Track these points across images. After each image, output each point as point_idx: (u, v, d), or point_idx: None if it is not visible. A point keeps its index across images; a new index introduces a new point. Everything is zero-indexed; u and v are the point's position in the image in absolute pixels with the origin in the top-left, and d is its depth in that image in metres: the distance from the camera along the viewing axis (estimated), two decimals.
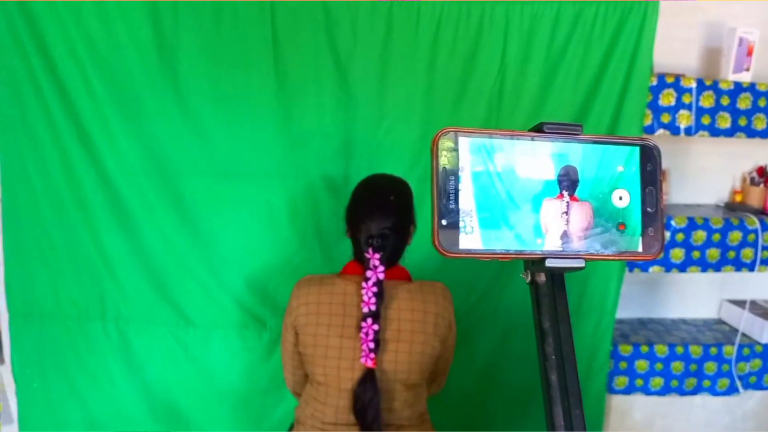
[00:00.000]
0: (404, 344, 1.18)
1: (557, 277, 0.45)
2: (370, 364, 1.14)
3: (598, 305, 1.99)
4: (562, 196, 0.42)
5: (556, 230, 0.42)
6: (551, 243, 0.42)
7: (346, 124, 1.73)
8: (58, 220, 1.71)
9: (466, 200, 0.41)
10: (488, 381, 1.97)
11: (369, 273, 1.15)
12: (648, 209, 0.44)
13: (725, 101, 1.89)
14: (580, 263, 0.43)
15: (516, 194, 0.42)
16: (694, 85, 1.87)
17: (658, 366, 2.12)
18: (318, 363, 1.19)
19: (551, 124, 0.43)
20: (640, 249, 0.44)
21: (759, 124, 1.92)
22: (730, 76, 1.92)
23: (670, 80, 1.86)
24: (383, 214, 1.20)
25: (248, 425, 1.88)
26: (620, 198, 0.43)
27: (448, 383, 1.46)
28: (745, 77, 1.91)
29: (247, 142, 1.71)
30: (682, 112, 1.88)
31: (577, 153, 0.43)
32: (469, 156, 0.41)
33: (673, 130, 1.90)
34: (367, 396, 1.13)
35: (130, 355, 1.81)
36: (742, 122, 1.91)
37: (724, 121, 1.91)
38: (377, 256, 1.15)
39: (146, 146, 1.68)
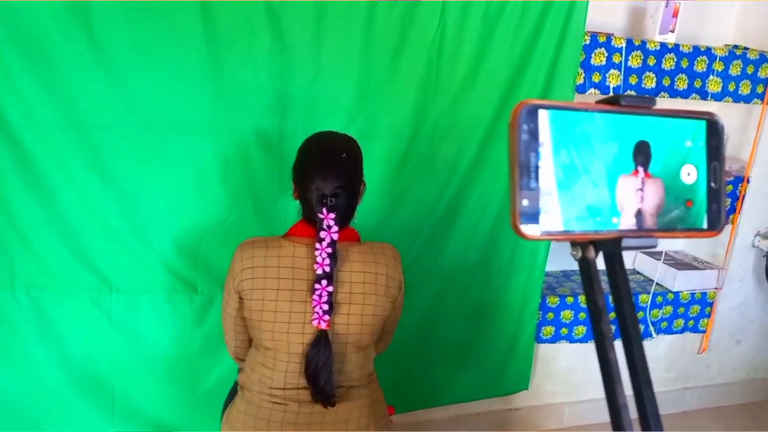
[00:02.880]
0: (356, 306, 1.15)
1: (617, 254, 0.43)
2: (323, 326, 1.11)
3: (529, 261, 2.05)
4: (637, 172, 0.41)
5: (631, 208, 0.41)
6: (626, 222, 0.41)
7: (281, 75, 1.63)
8: None
9: (546, 178, 0.38)
10: (425, 335, 2.00)
11: (323, 234, 1.10)
12: (712, 185, 0.43)
13: (651, 61, 1.95)
14: (654, 242, 0.42)
15: (593, 171, 0.40)
16: (624, 44, 1.91)
17: (582, 315, 2.23)
18: (266, 328, 1.14)
19: (628, 97, 0.41)
20: (705, 226, 0.43)
21: (681, 84, 2.01)
22: (656, 36, 1.98)
23: (602, 39, 1.90)
24: (336, 173, 1.14)
25: (180, 392, 1.80)
26: (688, 174, 0.43)
27: None
28: (670, 38, 1.98)
29: (171, 93, 1.56)
30: (612, 71, 1.93)
31: (649, 127, 0.41)
32: (549, 130, 0.38)
33: (603, 89, 1.95)
34: (321, 359, 1.10)
35: (45, 325, 1.67)
36: (666, 82, 1.99)
37: (650, 81, 1.97)
38: (331, 216, 1.10)
39: (56, 96, 1.50)
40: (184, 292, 1.74)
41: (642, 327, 2.33)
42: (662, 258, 2.35)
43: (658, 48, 1.95)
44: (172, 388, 1.80)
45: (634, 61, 1.93)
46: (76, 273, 1.65)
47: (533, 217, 0.38)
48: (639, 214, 0.41)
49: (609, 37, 1.90)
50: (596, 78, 1.92)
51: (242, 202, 1.71)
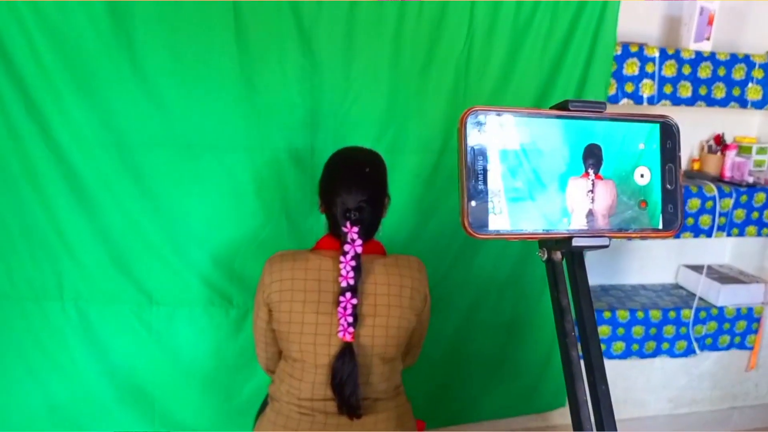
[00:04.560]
0: (381, 318, 1.17)
1: (576, 255, 0.44)
2: (348, 338, 1.13)
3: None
4: (587, 174, 0.42)
5: (582, 209, 0.42)
6: (577, 222, 0.42)
7: (312, 93, 1.68)
8: (9, 197, 1.62)
9: (495, 180, 0.40)
10: (457, 349, 1.99)
11: (347, 247, 1.12)
12: (668, 186, 0.44)
13: (686, 70, 1.92)
14: (605, 242, 0.43)
15: (542, 173, 0.41)
16: (657, 54, 1.88)
17: (620, 331, 2.18)
18: (293, 339, 1.17)
19: (576, 102, 0.42)
20: (660, 226, 0.44)
21: (718, 92, 1.96)
22: (691, 45, 1.94)
23: (634, 49, 1.87)
24: (359, 187, 1.17)
25: (217, 403, 1.85)
26: (642, 175, 0.43)
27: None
28: (705, 46, 1.94)
29: (208, 112, 1.64)
30: (646, 81, 1.90)
31: (600, 131, 0.43)
32: (497, 135, 0.40)
33: (637, 99, 1.92)
34: (346, 370, 1.12)
35: (91, 336, 1.75)
36: (703, 91, 1.95)
37: (686, 90, 1.94)
38: (355, 229, 1.13)
39: (101, 118, 1.59)
40: (221, 305, 1.79)
41: (685, 343, 2.26)
42: (704, 272, 2.28)
43: (693, 56, 1.91)
44: (209, 397, 1.85)
45: (669, 71, 1.90)
46: (119, 286, 1.73)
47: (482, 217, 0.39)
48: (590, 214, 0.42)
49: (641, 46, 1.88)
50: (629, 88, 1.90)
51: (276, 217, 1.76)
